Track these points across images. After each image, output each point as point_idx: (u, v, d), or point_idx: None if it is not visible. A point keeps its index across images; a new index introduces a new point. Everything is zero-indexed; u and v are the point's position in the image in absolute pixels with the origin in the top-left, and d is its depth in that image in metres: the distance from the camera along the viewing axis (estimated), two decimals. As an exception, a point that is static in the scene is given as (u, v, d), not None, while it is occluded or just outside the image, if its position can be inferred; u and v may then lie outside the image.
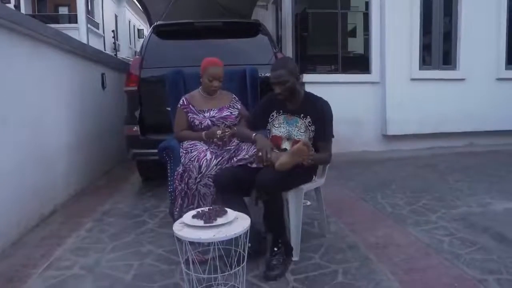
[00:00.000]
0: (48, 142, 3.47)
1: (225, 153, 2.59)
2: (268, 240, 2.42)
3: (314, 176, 2.66)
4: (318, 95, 2.59)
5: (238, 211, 2.05)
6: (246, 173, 2.37)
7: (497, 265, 2.24)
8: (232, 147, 2.61)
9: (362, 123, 6.14)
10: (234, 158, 2.51)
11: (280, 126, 2.53)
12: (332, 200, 3.43)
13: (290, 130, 2.50)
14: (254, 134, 2.46)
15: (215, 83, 2.74)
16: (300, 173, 2.40)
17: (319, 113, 2.46)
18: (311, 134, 2.47)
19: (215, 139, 2.61)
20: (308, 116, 2.47)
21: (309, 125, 2.47)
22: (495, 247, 2.48)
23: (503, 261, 2.28)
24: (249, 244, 2.23)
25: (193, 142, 2.64)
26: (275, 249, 2.29)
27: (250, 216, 2.06)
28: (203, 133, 2.68)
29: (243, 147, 2.56)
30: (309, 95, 2.55)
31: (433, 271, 2.22)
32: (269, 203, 2.28)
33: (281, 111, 2.54)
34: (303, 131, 2.47)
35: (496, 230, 2.74)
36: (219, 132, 2.60)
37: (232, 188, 2.34)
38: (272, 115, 2.57)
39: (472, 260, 2.31)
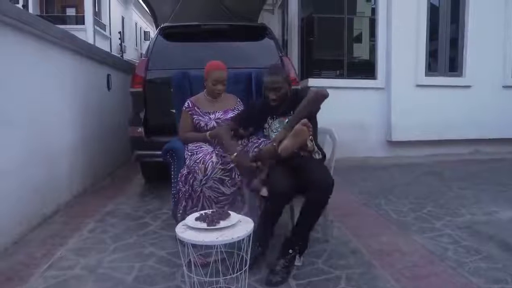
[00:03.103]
0: (52, 142, 3.48)
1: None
2: (273, 243, 2.41)
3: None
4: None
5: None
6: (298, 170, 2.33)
7: (502, 274, 2.21)
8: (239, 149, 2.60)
9: (367, 129, 6.12)
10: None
11: (277, 130, 2.55)
12: (336, 205, 3.38)
13: None
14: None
15: (219, 86, 2.75)
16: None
17: (297, 99, 2.49)
18: None
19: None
20: (292, 110, 2.49)
21: None
22: (500, 256, 2.45)
23: (508, 270, 2.25)
24: (259, 248, 2.23)
25: (198, 144, 2.64)
26: (290, 251, 2.26)
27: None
28: (208, 133, 2.68)
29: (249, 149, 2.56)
30: (292, 93, 2.61)
31: (437, 279, 2.20)
32: (318, 204, 2.25)
33: (274, 116, 2.59)
34: None
35: (501, 238, 2.71)
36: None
37: (290, 195, 2.29)
38: (269, 121, 2.61)
39: (477, 269, 2.28)
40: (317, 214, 2.30)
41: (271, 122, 2.58)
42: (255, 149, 2.49)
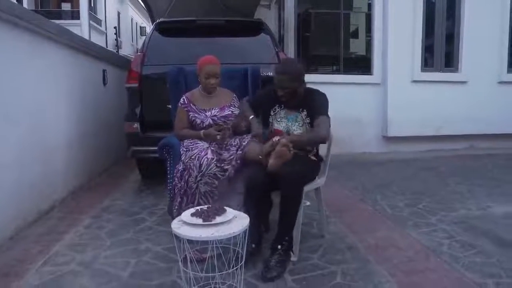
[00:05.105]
0: (48, 138, 3.46)
1: (225, 153, 2.57)
2: (266, 238, 2.41)
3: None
4: None
5: (264, 212, 2.14)
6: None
7: (496, 269, 2.23)
8: (233, 148, 2.59)
9: (363, 124, 6.13)
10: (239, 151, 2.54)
11: (281, 120, 2.57)
12: (332, 200, 3.42)
13: (289, 125, 2.54)
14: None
15: (212, 80, 2.74)
16: (314, 167, 2.52)
17: (312, 101, 2.50)
18: (307, 126, 2.50)
19: (215, 140, 2.61)
20: (305, 110, 2.51)
21: (305, 118, 2.51)
22: (495, 251, 2.47)
23: (503, 265, 2.27)
24: (253, 245, 2.23)
25: (193, 140, 2.64)
26: (279, 246, 2.26)
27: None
28: (201, 132, 2.67)
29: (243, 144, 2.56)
30: (307, 90, 2.58)
31: (432, 273, 2.21)
32: (290, 198, 2.26)
33: (282, 105, 2.59)
34: (301, 125, 2.52)
35: (496, 233, 2.73)
36: (218, 137, 2.58)
37: (265, 188, 2.32)
38: (275, 109, 2.61)
39: (472, 263, 2.30)
40: (291, 208, 2.28)
41: (278, 110, 2.60)
42: (243, 148, 2.53)
